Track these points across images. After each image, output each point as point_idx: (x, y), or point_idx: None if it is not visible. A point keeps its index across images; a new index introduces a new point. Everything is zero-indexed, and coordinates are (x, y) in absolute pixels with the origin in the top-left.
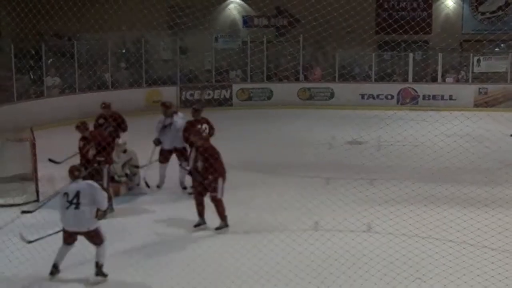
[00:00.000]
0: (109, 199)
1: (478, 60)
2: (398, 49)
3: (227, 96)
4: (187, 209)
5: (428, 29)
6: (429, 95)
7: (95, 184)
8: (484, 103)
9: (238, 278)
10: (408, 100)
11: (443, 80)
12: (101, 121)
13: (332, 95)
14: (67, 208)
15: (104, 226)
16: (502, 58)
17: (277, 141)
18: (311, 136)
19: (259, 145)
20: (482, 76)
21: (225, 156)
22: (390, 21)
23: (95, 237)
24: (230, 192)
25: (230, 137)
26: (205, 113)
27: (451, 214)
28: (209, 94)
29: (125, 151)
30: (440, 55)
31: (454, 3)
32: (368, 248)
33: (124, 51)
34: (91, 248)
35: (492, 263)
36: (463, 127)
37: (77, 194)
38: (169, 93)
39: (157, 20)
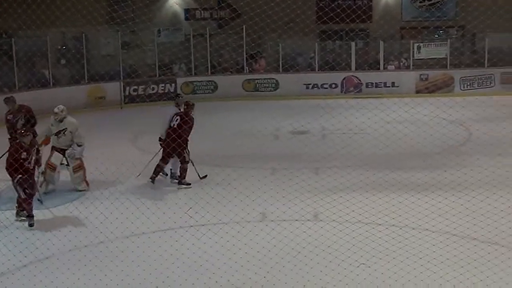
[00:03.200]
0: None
1: (418, 47)
2: (339, 38)
3: (172, 90)
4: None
5: (368, 18)
6: (372, 83)
7: None
8: (425, 89)
9: (183, 271)
10: (352, 89)
11: (385, 68)
12: (9, 116)
13: (276, 86)
14: None
15: None
16: (441, 45)
17: (222, 133)
18: (256, 127)
19: (204, 138)
20: (422, 63)
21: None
22: (328, 11)
23: None
24: (175, 184)
25: None
26: (151, 108)
27: (392, 199)
28: (153, 89)
29: (61, 121)
30: (381, 43)
31: None
32: (313, 236)
33: (64, 47)
34: None
35: (434, 245)
36: (403, 114)
37: None
38: (112, 89)
39: (97, 15)
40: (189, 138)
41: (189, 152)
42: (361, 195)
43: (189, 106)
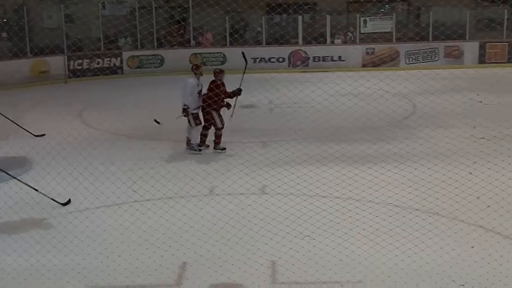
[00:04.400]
0: None
1: (365, 21)
2: (285, 11)
3: (118, 64)
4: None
5: None
6: (319, 57)
7: None
8: (371, 63)
9: (128, 246)
10: (299, 63)
11: (332, 42)
12: None
13: (224, 60)
14: None
15: None
16: (387, 19)
17: (170, 108)
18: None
19: (151, 112)
20: (368, 37)
21: (115, 125)
22: None
23: None
24: (122, 161)
25: (121, 106)
26: (97, 82)
27: (337, 172)
28: (98, 63)
29: None
30: (327, 17)
31: None
32: (259, 209)
33: (4, 20)
34: None
35: (377, 216)
36: (348, 87)
37: None
38: (56, 62)
39: None
40: (222, 103)
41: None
42: (306, 168)
43: (219, 72)
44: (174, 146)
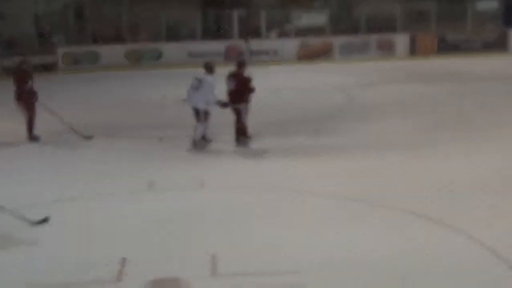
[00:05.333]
0: None
1: (299, 16)
2: (221, 6)
3: (53, 61)
4: None
5: None
6: (254, 51)
7: None
8: (306, 56)
9: (68, 243)
10: (235, 56)
11: (267, 36)
12: None
13: (160, 55)
14: None
15: None
16: (321, 13)
17: (108, 104)
18: (142, 97)
19: (89, 109)
20: (303, 31)
21: (51, 122)
22: None
23: None
24: (58, 157)
25: (57, 103)
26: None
27: (275, 163)
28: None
29: None
30: (263, 11)
31: None
32: (199, 204)
33: None
34: None
35: (315, 207)
36: (285, 81)
37: None
38: None
39: None
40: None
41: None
42: (246, 162)
43: (243, 65)
44: (116, 142)
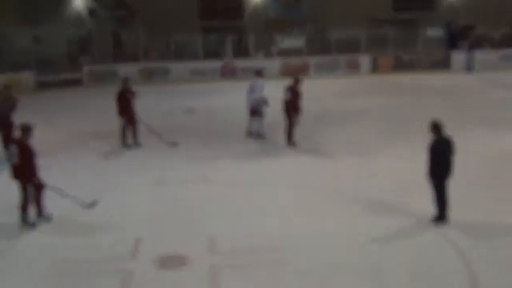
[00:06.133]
0: None
1: (282, 39)
2: (218, 32)
3: (79, 78)
4: None
5: (240, 15)
6: (245, 68)
7: None
8: (287, 73)
9: (77, 232)
10: (230, 74)
11: (255, 56)
12: None
13: (168, 73)
14: None
15: None
16: (299, 37)
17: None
18: (154, 109)
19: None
20: (285, 52)
21: (81, 128)
22: (208, 10)
23: None
24: (87, 159)
25: (84, 112)
26: (59, 94)
27: (260, 163)
28: (62, 77)
29: None
30: (252, 36)
31: None
32: (202, 195)
33: None
34: None
35: (287, 196)
36: (271, 93)
37: None
38: (26, 77)
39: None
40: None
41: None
42: (233, 163)
43: (298, 80)
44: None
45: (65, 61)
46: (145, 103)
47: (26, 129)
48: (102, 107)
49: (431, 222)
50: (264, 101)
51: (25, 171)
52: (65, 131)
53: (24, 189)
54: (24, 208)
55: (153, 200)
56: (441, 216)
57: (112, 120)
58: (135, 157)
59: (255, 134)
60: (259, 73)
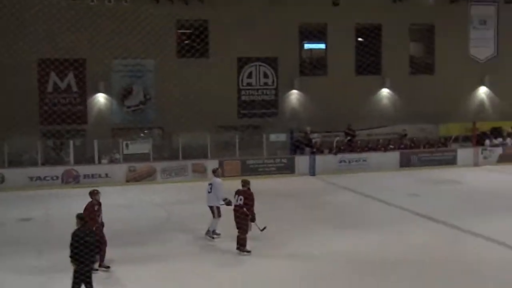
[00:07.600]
0: None
1: (127, 144)
2: (60, 136)
3: None
4: None
5: (84, 120)
6: (88, 174)
7: None
8: (134, 178)
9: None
10: (71, 180)
11: (99, 162)
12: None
13: (2, 180)
14: None
15: None
16: (146, 142)
17: None
18: None
19: None
20: (131, 157)
21: None
22: (50, 114)
23: None
24: None
25: None
26: None
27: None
28: None
29: None
30: (95, 141)
31: (105, 99)
32: None
33: None
34: None
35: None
36: (116, 199)
37: None
38: None
39: None
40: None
41: (251, 225)
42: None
43: (247, 183)
44: None
45: None
46: None
47: None
48: None
49: None
50: (227, 202)
51: None
52: None
53: None
54: None
55: None
56: None
57: None
58: None
59: (211, 232)
60: (214, 171)
